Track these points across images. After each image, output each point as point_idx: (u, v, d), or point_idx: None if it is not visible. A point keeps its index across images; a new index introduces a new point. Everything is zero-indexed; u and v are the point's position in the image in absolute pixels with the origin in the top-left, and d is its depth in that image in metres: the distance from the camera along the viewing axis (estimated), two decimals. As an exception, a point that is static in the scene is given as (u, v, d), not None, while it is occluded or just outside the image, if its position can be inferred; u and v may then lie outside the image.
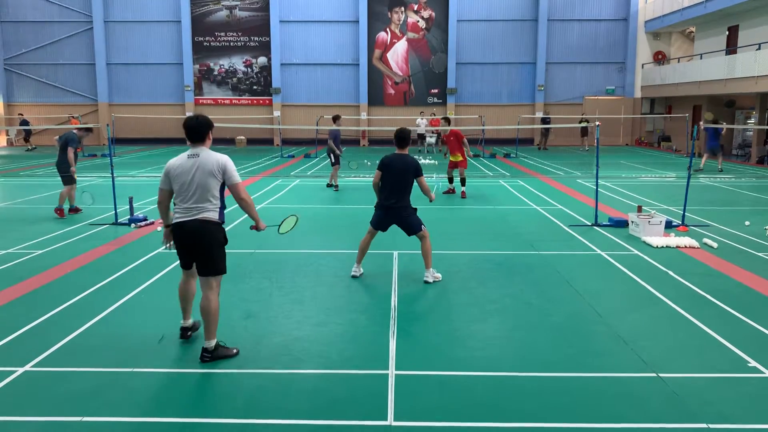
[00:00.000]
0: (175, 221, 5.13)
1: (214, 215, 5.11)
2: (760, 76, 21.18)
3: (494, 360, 5.16)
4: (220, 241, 5.15)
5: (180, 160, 5.12)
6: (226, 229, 5.35)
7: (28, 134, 29.68)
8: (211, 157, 5.07)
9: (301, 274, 7.72)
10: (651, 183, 17.37)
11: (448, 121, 14.78)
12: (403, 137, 7.52)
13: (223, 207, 5.42)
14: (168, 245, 5.38)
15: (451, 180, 14.69)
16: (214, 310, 5.10)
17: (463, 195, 14.02)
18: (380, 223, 7.58)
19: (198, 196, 5.03)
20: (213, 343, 5.10)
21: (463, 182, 14.15)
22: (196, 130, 5.11)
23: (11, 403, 4.40)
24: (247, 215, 5.40)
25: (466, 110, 31.37)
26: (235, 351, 5.22)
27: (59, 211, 11.63)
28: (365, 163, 21.31)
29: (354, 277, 7.55)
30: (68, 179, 11.70)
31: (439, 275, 7.47)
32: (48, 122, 31.29)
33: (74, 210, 12.02)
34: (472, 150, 26.83)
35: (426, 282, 7.31)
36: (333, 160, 15.15)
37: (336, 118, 15.69)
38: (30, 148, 29.08)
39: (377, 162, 7.63)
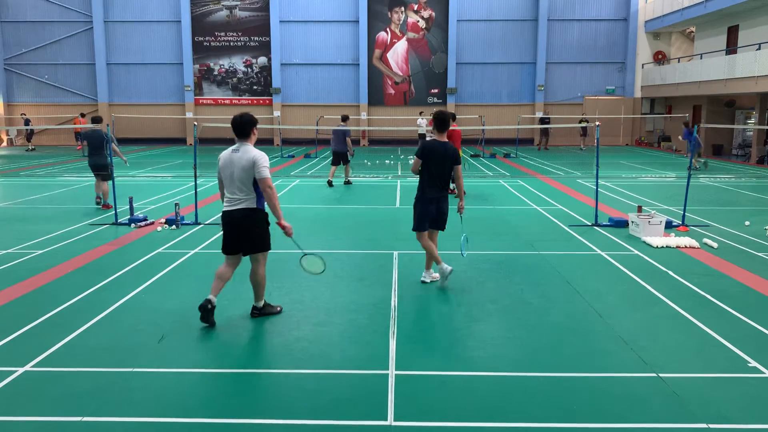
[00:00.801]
0: (223, 210, 5.87)
1: (253, 204, 5.79)
2: (760, 76, 21.18)
3: (494, 360, 5.16)
4: (263, 224, 5.89)
5: (227, 153, 5.82)
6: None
7: (30, 134, 29.68)
8: (249, 152, 5.69)
9: (301, 274, 7.69)
10: (651, 183, 17.37)
11: (453, 117, 14.81)
12: (444, 120, 6.92)
13: (261, 197, 5.89)
14: None
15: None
16: (261, 278, 6.03)
17: (453, 191, 14.12)
18: (434, 220, 7.05)
19: (238, 188, 5.72)
20: (261, 302, 6.15)
21: None
22: (241, 127, 5.77)
23: (11, 403, 4.40)
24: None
25: (466, 110, 31.37)
26: (279, 309, 6.24)
27: (108, 206, 12.12)
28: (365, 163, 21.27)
29: (424, 282, 7.26)
30: (107, 176, 12.08)
31: (436, 275, 7.31)
32: (48, 122, 31.29)
33: (108, 206, 12.34)
34: (472, 150, 27.02)
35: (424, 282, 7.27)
36: (348, 159, 16.11)
37: (345, 118, 16.45)
38: (30, 148, 29.05)
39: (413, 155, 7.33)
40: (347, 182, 16.44)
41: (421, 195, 7.03)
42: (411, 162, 7.46)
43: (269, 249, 6.02)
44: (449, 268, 7.07)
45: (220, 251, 6.03)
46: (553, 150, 29.21)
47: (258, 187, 5.75)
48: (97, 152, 12.24)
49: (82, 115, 27.88)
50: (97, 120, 13.33)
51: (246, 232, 5.82)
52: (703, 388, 4.65)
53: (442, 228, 7.18)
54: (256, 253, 5.96)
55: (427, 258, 7.28)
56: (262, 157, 5.67)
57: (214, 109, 32.83)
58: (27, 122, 29.42)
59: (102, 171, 12.24)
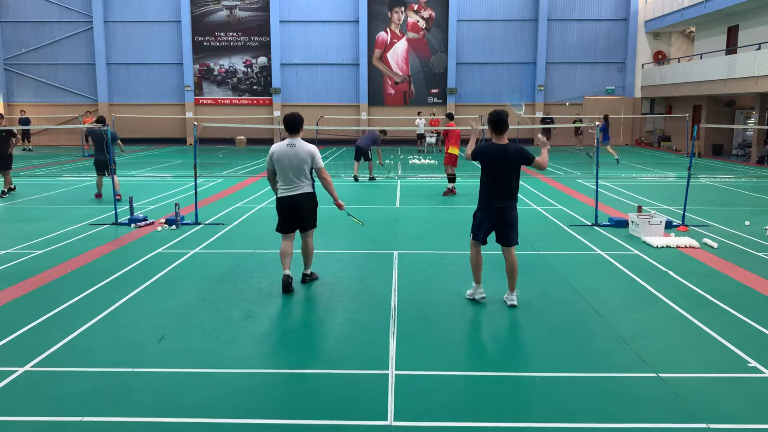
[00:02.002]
0: (280, 195, 6.86)
1: (310, 189, 6.90)
2: (760, 76, 21.17)
3: (494, 360, 5.16)
4: (315, 205, 7.05)
5: (281, 147, 6.77)
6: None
7: (24, 134, 29.52)
8: (304, 146, 6.76)
9: (302, 274, 7.70)
10: (651, 183, 17.37)
11: (450, 116, 14.93)
12: (502, 120, 6.19)
13: (312, 182, 7.03)
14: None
15: (452, 179, 14.49)
16: (311, 249, 7.18)
17: (454, 191, 14.35)
18: (497, 232, 6.46)
19: (296, 176, 6.75)
20: (309, 270, 7.28)
21: (451, 179, 14.39)
22: (294, 125, 6.78)
23: (11, 403, 4.40)
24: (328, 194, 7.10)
25: (466, 110, 31.36)
26: (316, 276, 7.40)
27: (119, 195, 12.72)
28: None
29: (471, 299, 6.61)
30: (106, 172, 13.62)
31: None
32: (48, 122, 31.29)
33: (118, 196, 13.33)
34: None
35: (512, 306, 6.42)
36: (369, 156, 17.14)
37: (383, 132, 18.16)
38: (26, 148, 28.97)
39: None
40: (371, 178, 17.34)
41: (481, 203, 6.46)
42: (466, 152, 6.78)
43: (316, 226, 7.21)
44: (482, 294, 6.53)
45: (276, 230, 7.09)
46: (553, 150, 29.19)
47: (312, 174, 6.92)
48: (103, 149, 13.31)
49: (89, 113, 28.08)
50: (100, 120, 14.55)
51: (304, 212, 6.91)
52: (703, 388, 4.65)
53: (508, 243, 6.40)
54: (310, 230, 7.09)
55: (514, 276, 6.48)
56: (317, 150, 6.84)
57: (214, 109, 32.83)
58: (26, 121, 29.26)
59: (103, 167, 13.66)
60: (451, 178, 14.44)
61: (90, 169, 19.09)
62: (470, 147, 6.56)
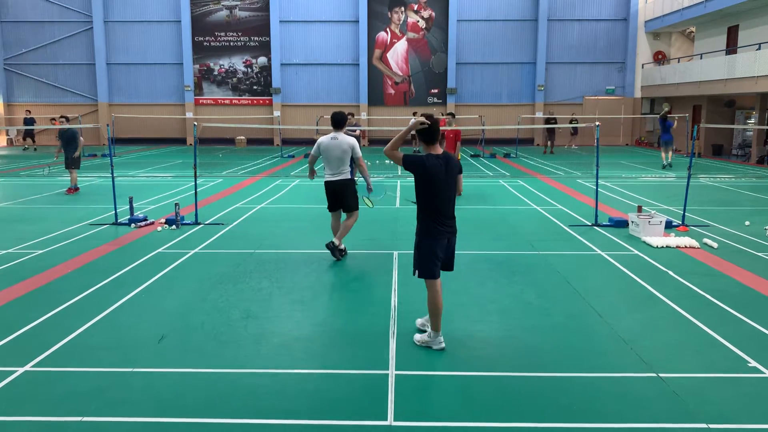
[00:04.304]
0: (326, 179, 8.29)
1: (348, 175, 8.32)
2: (760, 76, 21.17)
3: (494, 360, 5.15)
4: (353, 191, 8.38)
5: (327, 139, 8.16)
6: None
7: (28, 134, 29.56)
8: (346, 139, 8.12)
9: (301, 274, 7.72)
10: (651, 183, 17.37)
11: (453, 115, 14.86)
12: (436, 130, 5.26)
13: (352, 170, 8.72)
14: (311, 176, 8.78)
15: None
16: (348, 227, 8.41)
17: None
18: (445, 260, 5.45)
19: (338, 164, 8.18)
20: (339, 241, 8.31)
21: None
22: (339, 121, 8.18)
23: (11, 403, 4.40)
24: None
25: (466, 110, 31.37)
26: (344, 251, 8.55)
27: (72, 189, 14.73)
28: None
29: (426, 347, 5.38)
30: (79, 163, 15.04)
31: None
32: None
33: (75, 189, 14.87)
34: (472, 150, 27.01)
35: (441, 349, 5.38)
36: None
37: (351, 115, 17.62)
38: (27, 147, 28.97)
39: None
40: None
41: (427, 228, 5.25)
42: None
43: (358, 208, 8.44)
44: (442, 345, 5.31)
45: (327, 209, 8.53)
46: (556, 150, 29.18)
47: (351, 162, 8.27)
48: (72, 145, 14.79)
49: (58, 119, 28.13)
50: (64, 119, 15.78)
51: (344, 195, 8.27)
52: (703, 388, 4.65)
53: (451, 268, 5.55)
54: (351, 211, 8.40)
55: (433, 316, 5.36)
56: (357, 143, 8.19)
57: (214, 109, 32.82)
58: (31, 121, 29.24)
59: (76, 161, 14.93)
60: None
61: (89, 170, 19.09)
62: (396, 145, 5.32)
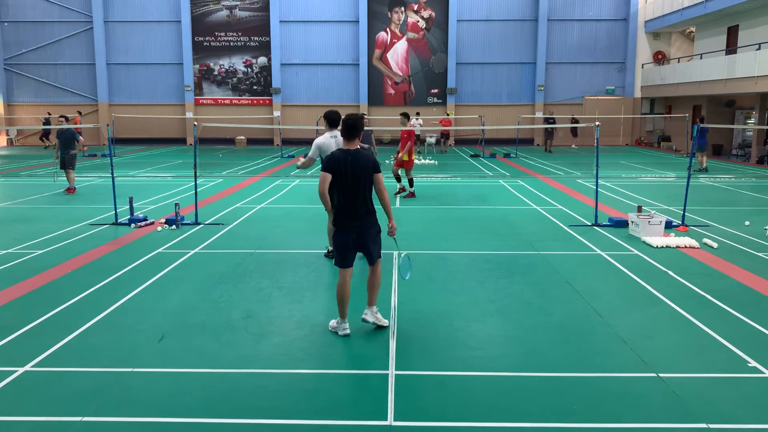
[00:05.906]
0: None
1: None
2: (760, 76, 21.17)
3: (494, 360, 5.15)
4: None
5: (327, 138, 7.70)
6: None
7: (45, 134, 29.93)
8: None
9: (301, 274, 7.72)
10: (651, 183, 17.37)
11: (407, 116, 14.34)
12: (355, 125, 5.62)
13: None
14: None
15: (399, 179, 14.18)
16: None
17: (413, 194, 13.97)
18: (361, 249, 5.71)
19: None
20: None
21: (411, 183, 14.01)
22: (334, 120, 7.67)
23: (11, 403, 4.40)
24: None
25: (466, 110, 31.38)
26: None
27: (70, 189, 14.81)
28: None
29: (334, 332, 5.70)
30: (74, 163, 15.21)
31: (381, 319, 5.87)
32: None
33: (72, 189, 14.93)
34: (472, 150, 27.04)
35: (382, 326, 5.80)
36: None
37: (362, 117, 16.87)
38: (47, 146, 29.31)
39: None
40: None
41: (337, 222, 5.55)
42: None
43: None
44: (347, 331, 5.60)
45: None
46: (554, 150, 29.19)
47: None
48: (69, 146, 15.00)
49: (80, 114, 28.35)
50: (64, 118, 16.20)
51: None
52: (703, 388, 4.65)
53: (373, 259, 5.68)
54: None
55: (339, 303, 5.63)
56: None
57: (214, 109, 32.82)
58: (47, 121, 29.33)
59: (72, 161, 15.12)
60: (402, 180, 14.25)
61: (89, 170, 19.11)
62: (322, 186, 5.46)
